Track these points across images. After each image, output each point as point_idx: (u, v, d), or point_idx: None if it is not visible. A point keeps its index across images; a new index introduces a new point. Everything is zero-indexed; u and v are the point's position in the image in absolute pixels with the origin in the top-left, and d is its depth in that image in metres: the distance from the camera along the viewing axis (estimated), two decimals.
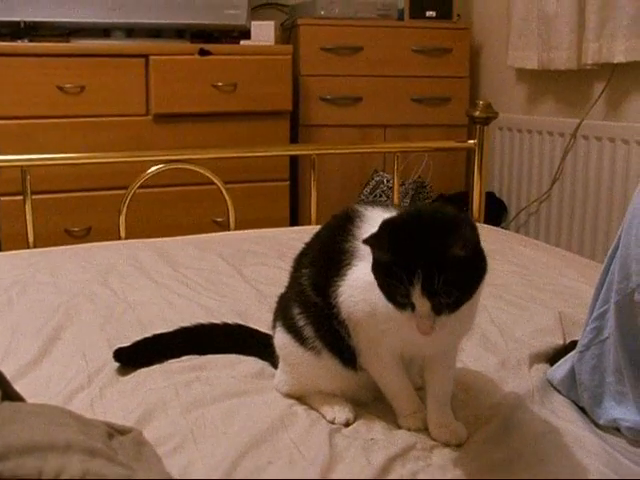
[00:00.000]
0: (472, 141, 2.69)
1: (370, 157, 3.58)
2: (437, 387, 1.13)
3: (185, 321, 1.46)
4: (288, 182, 3.46)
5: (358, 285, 1.08)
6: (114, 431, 0.93)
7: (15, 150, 2.64)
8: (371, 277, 1.02)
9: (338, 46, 3.53)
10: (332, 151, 2.95)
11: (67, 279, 1.87)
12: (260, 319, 1.50)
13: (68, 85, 3.06)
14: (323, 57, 3.52)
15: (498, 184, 3.74)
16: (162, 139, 3.19)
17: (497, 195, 3.72)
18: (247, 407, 1.19)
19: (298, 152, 3.29)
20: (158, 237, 2.34)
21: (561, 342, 1.46)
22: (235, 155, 2.78)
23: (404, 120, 3.64)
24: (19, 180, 2.31)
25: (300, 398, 1.21)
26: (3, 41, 3.13)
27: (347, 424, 1.14)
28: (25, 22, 3.16)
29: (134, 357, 1.36)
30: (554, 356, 1.38)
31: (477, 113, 2.62)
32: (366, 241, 1.00)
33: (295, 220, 3.52)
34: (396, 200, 2.74)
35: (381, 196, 3.42)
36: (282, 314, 1.21)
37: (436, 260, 0.95)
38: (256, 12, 3.70)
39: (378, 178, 3.51)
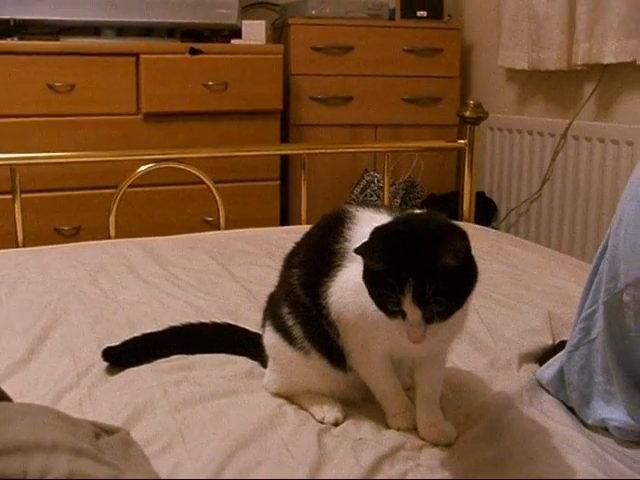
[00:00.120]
0: (462, 141, 2.69)
1: (361, 157, 3.58)
2: (426, 387, 1.13)
3: (175, 320, 1.46)
4: (278, 181, 3.45)
5: (348, 287, 1.08)
6: (101, 431, 0.93)
7: (4, 148, 2.62)
8: (361, 279, 1.02)
9: (329, 46, 3.52)
10: (323, 151, 2.95)
11: (56, 278, 1.86)
12: (250, 318, 1.49)
13: (58, 83, 3.05)
14: (314, 57, 3.52)
15: (488, 184, 3.75)
16: (152, 138, 3.18)
17: (487, 195, 3.72)
18: (236, 407, 1.19)
19: (288, 152, 3.28)
20: (148, 236, 2.33)
21: (550, 342, 1.46)
22: (225, 154, 2.78)
23: (395, 120, 3.65)
24: (8, 179, 2.30)
25: (289, 398, 1.21)
26: None
27: (336, 424, 1.14)
28: (15, 20, 3.14)
29: (123, 357, 1.36)
30: (543, 356, 1.39)
31: (468, 113, 2.62)
32: (357, 250, 1.00)
33: (285, 220, 3.51)
34: (386, 200, 2.74)
35: (371, 196, 3.42)
36: (271, 313, 1.21)
37: (427, 269, 0.95)
38: (247, 11, 3.69)
39: (369, 178, 3.51)
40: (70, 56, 3.10)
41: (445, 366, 1.18)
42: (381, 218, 1.09)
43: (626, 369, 1.12)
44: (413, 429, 1.13)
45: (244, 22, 3.40)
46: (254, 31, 3.39)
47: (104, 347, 1.36)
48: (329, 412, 1.15)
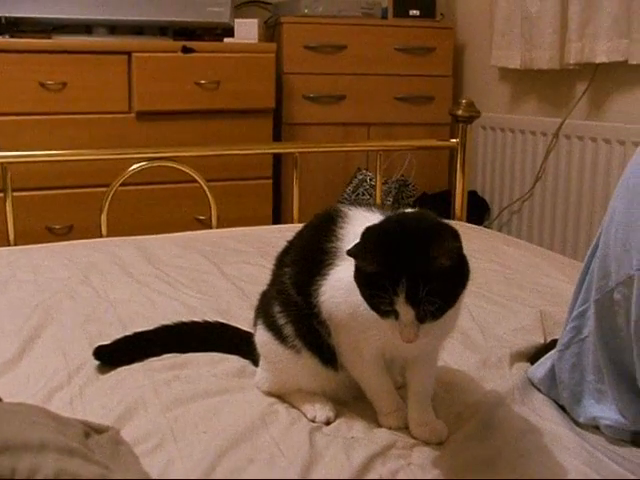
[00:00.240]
0: (455, 140, 2.69)
1: (353, 155, 3.58)
2: (418, 385, 1.13)
3: (166, 319, 1.46)
4: (271, 180, 3.45)
5: (340, 286, 1.08)
6: (91, 430, 0.92)
7: None
8: (353, 278, 1.02)
9: (322, 44, 3.52)
10: (315, 149, 2.95)
11: (48, 277, 1.86)
12: (241, 317, 1.49)
13: (50, 82, 3.05)
14: (306, 55, 3.52)
15: (481, 183, 3.75)
16: (144, 136, 3.17)
17: (480, 194, 3.73)
18: (228, 405, 1.19)
19: (281, 150, 3.28)
20: (140, 235, 2.33)
21: (542, 341, 1.46)
22: (218, 153, 2.77)
23: (387, 118, 3.65)
24: (0, 177, 2.29)
25: (281, 396, 1.21)
26: None
27: (328, 422, 1.14)
28: (6, 18, 3.14)
29: (114, 355, 1.36)
30: (535, 355, 1.39)
31: (460, 112, 2.62)
32: (349, 252, 1.00)
33: (278, 218, 3.51)
34: (379, 199, 2.74)
35: (364, 194, 3.42)
36: (263, 312, 1.21)
37: (420, 270, 0.95)
38: (239, 10, 3.69)
39: (361, 176, 3.51)
40: (62, 54, 3.09)
41: (437, 364, 1.18)
42: (373, 217, 1.09)
43: (617, 368, 1.12)
44: (404, 428, 1.13)
45: (236, 20, 3.40)
46: (246, 30, 3.38)
47: (95, 346, 1.36)
48: (320, 411, 1.15)
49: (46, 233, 3.05)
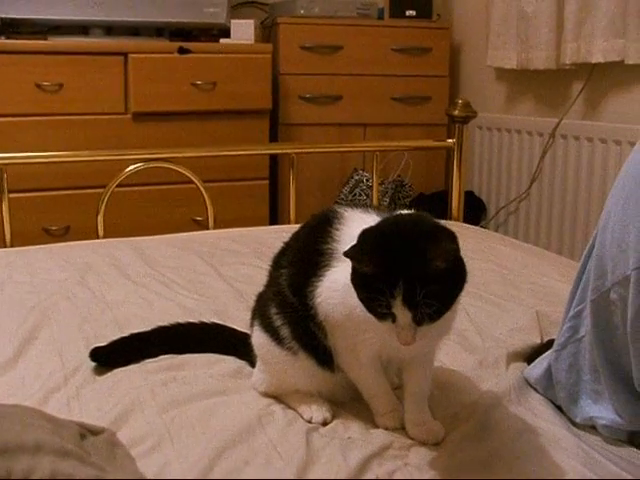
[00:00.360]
0: (451, 140, 2.69)
1: (350, 156, 3.58)
2: (414, 386, 1.13)
3: (163, 320, 1.45)
4: (267, 181, 3.45)
5: (336, 288, 1.08)
6: (87, 431, 0.92)
7: None
8: (349, 279, 1.02)
9: (318, 45, 3.52)
10: (311, 150, 2.94)
11: (44, 278, 1.86)
12: (238, 318, 1.49)
13: (46, 83, 3.04)
14: (303, 56, 3.52)
15: (477, 183, 3.75)
16: (141, 138, 3.17)
17: (476, 194, 3.73)
18: (224, 406, 1.18)
19: (277, 151, 3.28)
20: (137, 236, 2.32)
21: (538, 341, 1.46)
22: (214, 154, 2.77)
23: (384, 119, 3.65)
24: None
25: (277, 397, 1.21)
26: None
27: (324, 423, 1.14)
28: (2, 19, 3.13)
29: (111, 357, 1.35)
30: (531, 355, 1.39)
31: (456, 112, 2.62)
32: (346, 253, 1.00)
33: (274, 219, 3.51)
34: (375, 199, 2.74)
35: (360, 195, 3.42)
36: (260, 313, 1.21)
37: (417, 272, 0.95)
38: (236, 10, 3.69)
39: (357, 177, 3.51)
40: (58, 55, 3.09)
41: (433, 365, 1.18)
42: (369, 218, 1.09)
43: (613, 367, 1.12)
44: (401, 428, 1.13)
45: (233, 21, 3.40)
46: (243, 30, 3.38)
47: (92, 347, 1.36)
48: (317, 412, 1.15)
49: (43, 234, 3.05)
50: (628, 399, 1.11)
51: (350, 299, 1.03)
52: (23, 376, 1.33)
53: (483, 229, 2.92)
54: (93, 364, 1.34)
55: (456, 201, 2.67)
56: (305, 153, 2.94)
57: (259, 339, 1.20)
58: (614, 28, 2.85)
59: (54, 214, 3.10)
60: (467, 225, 2.56)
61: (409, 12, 3.68)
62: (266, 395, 1.22)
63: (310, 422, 1.14)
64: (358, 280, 1.00)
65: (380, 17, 3.68)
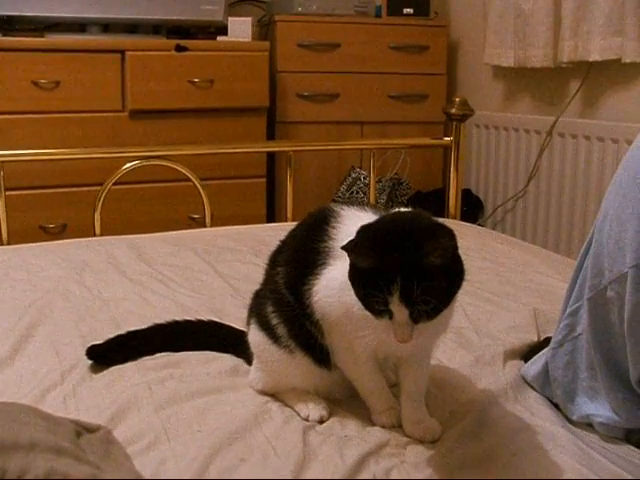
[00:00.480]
0: (449, 138, 2.69)
1: (347, 154, 3.58)
2: (411, 384, 1.13)
3: (160, 318, 1.45)
4: (265, 179, 3.45)
5: (333, 286, 1.08)
6: (82, 429, 0.92)
7: None
8: (346, 277, 1.02)
9: (315, 42, 3.52)
10: (309, 148, 2.94)
11: (41, 276, 1.85)
12: (235, 316, 1.49)
13: (43, 80, 3.04)
14: (300, 53, 3.51)
15: (475, 181, 3.75)
16: (138, 135, 3.17)
17: (474, 192, 3.73)
18: (221, 404, 1.18)
19: (275, 149, 3.28)
20: (133, 234, 2.32)
21: (535, 339, 1.47)
22: (211, 151, 2.77)
23: (381, 117, 3.65)
24: None
25: (274, 395, 1.21)
26: None
27: (321, 421, 1.14)
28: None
29: (107, 355, 1.35)
30: (528, 353, 1.39)
31: (454, 110, 2.62)
32: (344, 248, 1.00)
33: (272, 217, 3.51)
34: (372, 197, 2.74)
35: (358, 193, 3.42)
36: (256, 311, 1.21)
37: (415, 269, 0.95)
38: (233, 8, 3.69)
39: (355, 175, 3.50)
40: (55, 53, 3.09)
41: (430, 363, 1.18)
42: (366, 216, 1.09)
43: (610, 365, 1.12)
44: (398, 426, 1.13)
45: (230, 19, 3.39)
46: (240, 28, 3.38)
47: (88, 345, 1.35)
48: (314, 410, 1.15)
49: (39, 232, 3.05)
50: (625, 397, 1.11)
51: (347, 297, 1.03)
52: (20, 374, 1.32)
53: (480, 227, 2.92)
54: (90, 362, 1.34)
55: (453, 199, 2.67)
56: (302, 151, 2.94)
57: (256, 337, 1.20)
58: (611, 26, 2.85)
59: (51, 212, 3.10)
60: (464, 223, 2.56)
61: (407, 10, 3.68)
62: (263, 393, 1.22)
63: (307, 420, 1.14)
64: (355, 276, 1.00)
65: (378, 15, 3.68)
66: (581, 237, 3.06)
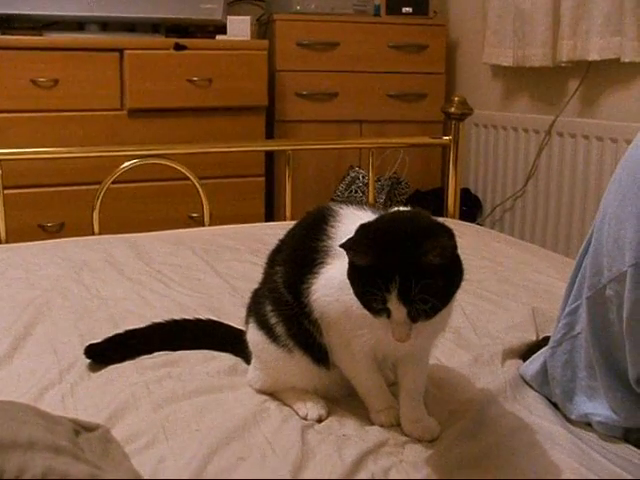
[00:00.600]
0: (447, 137, 2.69)
1: (346, 153, 3.58)
2: (410, 383, 1.13)
3: (158, 317, 1.45)
4: (263, 178, 3.45)
5: (332, 285, 1.08)
6: (81, 428, 0.92)
7: None
8: (345, 276, 1.02)
9: (314, 41, 3.52)
10: (307, 147, 2.94)
11: (39, 275, 1.85)
12: (234, 315, 1.49)
13: (42, 79, 3.04)
14: (299, 52, 3.51)
15: (473, 180, 3.75)
16: (136, 134, 3.17)
17: (472, 191, 3.73)
18: (220, 403, 1.18)
19: (273, 148, 3.28)
20: (132, 233, 2.32)
21: (534, 338, 1.46)
22: (210, 150, 2.77)
23: (380, 116, 3.65)
24: None
25: (273, 394, 1.21)
26: None
27: (320, 420, 1.14)
28: None
29: (106, 353, 1.35)
30: (527, 352, 1.39)
31: (452, 109, 2.62)
32: (343, 245, 0.99)
33: (270, 216, 3.51)
34: (371, 196, 2.74)
35: (357, 192, 3.42)
36: (255, 310, 1.21)
37: (413, 267, 0.95)
38: (232, 7, 3.68)
39: (354, 174, 3.50)
40: (54, 51, 3.08)
41: (429, 362, 1.18)
42: (364, 215, 1.09)
43: (609, 364, 1.12)
44: (396, 425, 1.13)
45: (229, 18, 3.39)
46: (239, 27, 3.38)
47: (87, 344, 1.35)
48: (312, 409, 1.15)
49: (38, 230, 3.05)
50: (623, 396, 1.11)
51: (345, 296, 1.03)
52: (18, 372, 1.32)
53: (479, 226, 2.92)
54: (88, 361, 1.33)
55: (452, 198, 2.67)
56: (301, 150, 2.94)
57: (254, 336, 1.20)
58: (610, 26, 2.86)
59: (49, 210, 3.10)
60: (463, 222, 2.56)
61: (405, 9, 3.68)
62: (261, 392, 1.22)
63: (305, 419, 1.14)
64: (354, 274, 1.00)
65: (376, 14, 3.68)
66: (580, 236, 3.06)
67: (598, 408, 1.14)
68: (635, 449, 1.10)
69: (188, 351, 1.37)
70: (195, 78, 3.23)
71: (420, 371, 1.14)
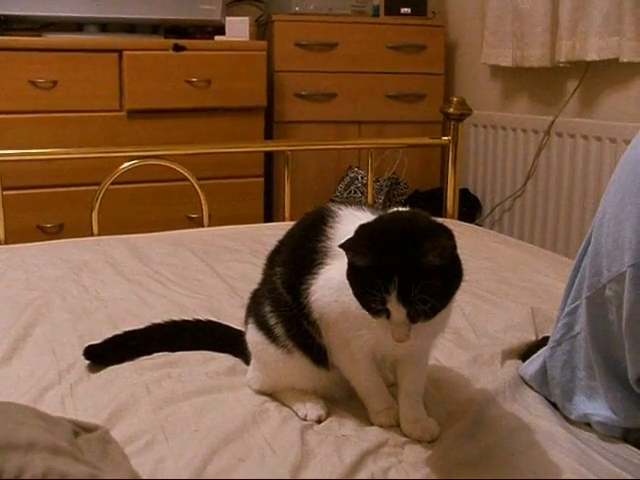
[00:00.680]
0: (446, 138, 2.69)
1: (345, 153, 3.58)
2: (409, 383, 1.13)
3: (157, 318, 1.45)
4: (262, 178, 3.45)
5: (331, 286, 1.08)
6: (80, 429, 0.92)
7: None
8: (344, 277, 1.02)
9: (313, 42, 3.52)
10: (306, 147, 2.93)
11: (38, 276, 1.85)
12: (233, 315, 1.49)
13: (40, 80, 3.04)
14: (298, 53, 3.51)
15: (472, 181, 3.75)
16: (136, 135, 3.16)
17: (471, 191, 3.73)
18: (219, 404, 1.18)
19: (272, 148, 3.28)
20: (131, 233, 2.32)
21: (533, 338, 1.46)
22: (209, 151, 2.77)
23: (379, 116, 3.64)
24: None
25: (272, 395, 1.21)
26: None
27: (319, 421, 1.14)
28: None
29: (105, 354, 1.35)
30: (526, 352, 1.39)
31: (451, 110, 2.62)
32: (342, 246, 0.99)
33: (269, 216, 3.51)
34: (370, 196, 2.74)
35: (356, 192, 3.42)
36: (254, 311, 1.21)
37: (413, 268, 0.95)
38: (231, 8, 3.68)
39: (353, 174, 3.50)
40: (53, 52, 3.08)
41: (428, 362, 1.18)
42: (363, 216, 1.09)
43: (608, 364, 1.12)
44: (396, 426, 1.13)
45: (228, 18, 3.39)
46: (238, 27, 3.37)
47: (86, 345, 1.35)
48: (312, 409, 1.15)
49: (37, 232, 3.05)
50: (623, 396, 1.11)
51: (345, 297, 1.03)
52: (17, 374, 1.32)
53: (478, 226, 2.92)
54: (87, 362, 1.33)
55: (451, 198, 2.67)
56: (300, 150, 2.93)
57: (253, 337, 1.20)
58: (609, 26, 2.86)
59: (48, 211, 3.10)
60: (462, 223, 2.57)
61: (404, 9, 3.68)
62: (260, 393, 1.22)
63: (305, 420, 1.14)
64: (353, 275, 1.00)
65: (375, 14, 3.68)
66: (579, 236, 3.06)
67: (597, 408, 1.14)
68: (634, 449, 1.10)
69: (187, 352, 1.37)
70: (194, 79, 3.23)
71: (419, 372, 1.14)
